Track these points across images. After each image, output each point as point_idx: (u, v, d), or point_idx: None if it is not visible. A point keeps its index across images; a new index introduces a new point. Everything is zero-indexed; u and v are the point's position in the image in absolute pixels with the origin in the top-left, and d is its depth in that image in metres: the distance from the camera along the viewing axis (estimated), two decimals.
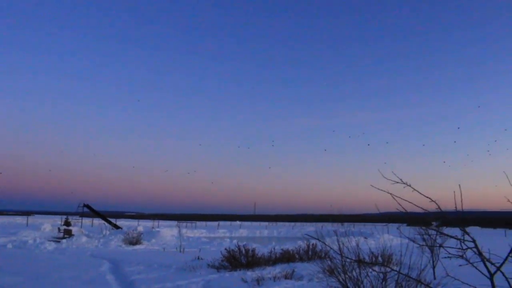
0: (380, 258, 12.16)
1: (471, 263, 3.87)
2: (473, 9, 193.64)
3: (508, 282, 3.76)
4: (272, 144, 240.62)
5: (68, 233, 32.62)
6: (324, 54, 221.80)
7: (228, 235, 48.31)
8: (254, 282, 11.86)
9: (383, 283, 6.98)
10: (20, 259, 18.57)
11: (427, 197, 3.75)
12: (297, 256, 17.48)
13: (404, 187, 3.85)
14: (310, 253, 17.58)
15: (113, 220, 45.88)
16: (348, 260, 6.33)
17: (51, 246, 25.07)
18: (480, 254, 3.75)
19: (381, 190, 3.96)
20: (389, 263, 12.98)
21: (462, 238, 3.92)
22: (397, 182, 3.88)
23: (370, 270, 6.95)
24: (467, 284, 4.30)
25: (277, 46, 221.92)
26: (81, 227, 42.14)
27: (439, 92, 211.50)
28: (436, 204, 3.77)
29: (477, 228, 78.97)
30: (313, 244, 17.68)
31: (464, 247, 3.96)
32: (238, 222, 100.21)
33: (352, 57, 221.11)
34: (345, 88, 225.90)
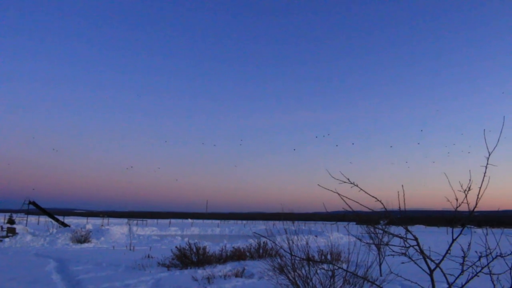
0: (329, 256, 12.43)
1: (413, 260, 4.03)
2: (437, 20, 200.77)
3: (446, 278, 3.95)
4: (240, 144, 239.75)
5: (11, 232, 31.16)
6: (289, 52, 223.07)
7: (180, 233, 47.86)
8: (205, 280, 11.81)
9: (331, 280, 7.14)
10: None
11: (373, 197, 3.88)
12: (248, 254, 17.56)
13: (351, 187, 3.96)
14: (261, 251, 17.71)
15: (60, 218, 44.38)
16: (297, 258, 6.43)
17: None
18: (421, 251, 3.91)
19: (328, 189, 4.06)
20: (338, 261, 13.31)
21: (405, 236, 4.08)
22: (344, 182, 3.99)
23: (319, 267, 7.10)
24: (409, 280, 4.48)
25: (243, 43, 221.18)
26: (26, 225, 40.41)
27: (404, 97, 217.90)
28: (381, 203, 3.91)
29: (422, 226, 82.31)
30: (264, 242, 17.82)
31: (407, 245, 4.12)
32: (190, 220, 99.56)
33: (320, 57, 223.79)
34: (309, 87, 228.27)
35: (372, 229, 12.00)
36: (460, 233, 3.99)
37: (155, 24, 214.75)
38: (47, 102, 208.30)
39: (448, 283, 3.99)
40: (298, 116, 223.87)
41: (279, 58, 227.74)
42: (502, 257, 3.99)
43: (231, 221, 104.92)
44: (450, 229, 4.22)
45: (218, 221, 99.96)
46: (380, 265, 12.38)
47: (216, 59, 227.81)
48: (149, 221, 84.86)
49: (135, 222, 73.31)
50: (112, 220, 78.20)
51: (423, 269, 4.14)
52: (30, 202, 39.13)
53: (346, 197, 3.98)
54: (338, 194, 3.98)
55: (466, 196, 3.96)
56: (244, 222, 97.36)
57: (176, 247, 15.71)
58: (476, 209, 3.99)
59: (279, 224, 10.49)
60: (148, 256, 17.90)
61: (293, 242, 7.73)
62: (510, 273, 4.12)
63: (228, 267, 14.42)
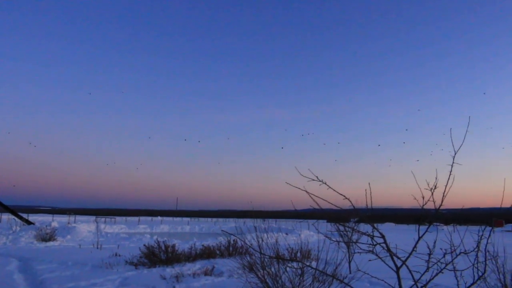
0: (299, 254, 12.49)
1: (380, 258, 4.07)
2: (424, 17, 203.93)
3: (412, 275, 4.01)
4: (227, 140, 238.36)
5: None
6: (278, 48, 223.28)
7: (149, 231, 47.28)
8: (173, 278, 11.69)
9: (301, 278, 7.17)
10: None
11: (341, 194, 3.90)
12: (217, 252, 17.49)
13: (320, 185, 3.97)
14: (231, 249, 17.66)
15: (24, 215, 43.13)
16: (268, 256, 6.42)
17: None
18: (388, 249, 3.96)
19: (295, 187, 4.05)
20: (308, 259, 13.40)
21: (372, 234, 4.11)
22: (313, 180, 3.99)
23: (289, 265, 7.11)
24: (376, 277, 4.53)
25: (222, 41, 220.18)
26: None
27: (390, 94, 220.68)
28: (350, 201, 3.93)
29: (392, 224, 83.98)
30: (234, 240, 17.78)
31: (375, 242, 4.16)
32: (159, 218, 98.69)
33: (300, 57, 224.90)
34: (293, 84, 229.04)
35: (341, 227, 12.11)
36: (426, 231, 4.05)
37: (136, 22, 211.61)
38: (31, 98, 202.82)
39: (414, 279, 4.05)
40: (283, 114, 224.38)
41: (268, 54, 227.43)
42: (465, 254, 4.07)
43: (202, 219, 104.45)
44: (429, 227, 4.29)
45: (188, 219, 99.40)
46: (349, 262, 12.52)
47: (201, 55, 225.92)
48: (118, 218, 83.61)
49: (103, 219, 72.10)
50: (79, 217, 76.63)
51: (389, 267, 4.19)
52: None
53: (314, 195, 3.98)
54: (306, 191, 3.98)
55: (432, 194, 4.03)
56: (215, 219, 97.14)
57: (144, 245, 15.49)
58: (444, 207, 4.06)
59: (249, 222, 10.53)
60: (116, 255, 17.59)
61: (262, 240, 7.73)
62: (473, 269, 4.22)
63: (197, 265, 14.31)
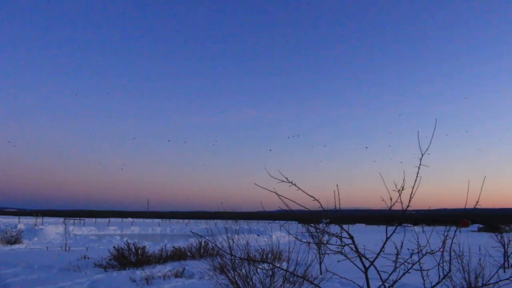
0: (270, 255, 12.53)
1: (348, 258, 4.11)
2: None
3: (379, 275, 4.06)
4: (214, 143, 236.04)
5: None
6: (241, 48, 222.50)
7: (119, 233, 46.59)
8: (143, 281, 11.54)
9: (271, 279, 7.18)
10: None
11: (311, 196, 3.92)
12: (189, 254, 17.35)
13: (289, 186, 3.98)
14: (202, 250, 17.55)
15: None
16: (238, 257, 6.40)
17: None
18: (356, 250, 4.00)
19: (264, 188, 4.06)
20: (279, 260, 13.44)
21: (340, 235, 4.15)
22: (283, 181, 4.00)
23: (260, 267, 7.11)
24: (345, 278, 4.58)
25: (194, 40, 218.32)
26: None
27: (372, 99, 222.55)
28: (319, 202, 3.95)
29: (363, 225, 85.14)
30: (205, 242, 17.68)
31: (344, 243, 4.20)
32: (130, 219, 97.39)
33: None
34: (281, 86, 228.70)
35: (311, 228, 12.20)
36: (393, 232, 4.11)
37: (119, 24, 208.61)
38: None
39: (381, 280, 4.10)
40: (272, 116, 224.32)
41: (253, 55, 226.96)
42: (431, 253, 4.15)
43: (173, 220, 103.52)
44: (390, 228, 4.35)
45: (159, 220, 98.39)
46: (320, 263, 12.63)
47: (187, 57, 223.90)
48: (87, 220, 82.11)
49: (72, 221, 70.61)
50: (47, 219, 74.71)
51: (358, 267, 4.24)
52: None
53: (283, 196, 4.00)
54: (276, 193, 3.99)
55: (399, 195, 4.09)
56: (186, 221, 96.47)
57: (114, 247, 15.23)
58: (414, 208, 4.13)
59: (221, 223, 10.49)
60: (84, 257, 17.25)
61: (233, 241, 7.71)
62: (438, 269, 4.31)
63: (168, 267, 14.16)
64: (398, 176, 4.23)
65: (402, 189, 4.05)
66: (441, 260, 4.35)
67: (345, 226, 4.69)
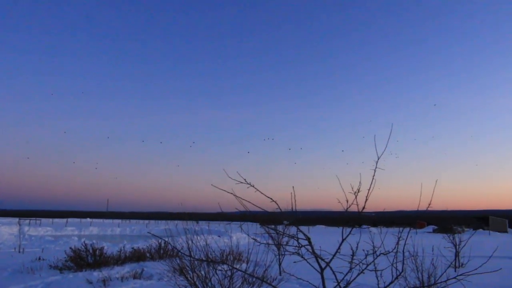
0: (230, 256, 12.52)
1: (305, 259, 4.17)
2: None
3: (335, 276, 4.14)
4: (191, 145, 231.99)
5: None
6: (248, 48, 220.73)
7: (77, 233, 45.47)
8: (100, 283, 11.33)
9: (230, 280, 7.18)
10: None
11: (268, 197, 3.95)
12: (148, 255, 17.13)
13: (247, 187, 4.00)
14: (161, 251, 17.36)
15: None
16: (195, 259, 6.37)
17: None
18: (312, 251, 4.06)
19: (221, 189, 4.07)
20: (239, 261, 13.45)
21: (296, 236, 4.20)
22: (241, 182, 4.02)
23: (219, 268, 7.11)
24: (301, 279, 4.64)
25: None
26: None
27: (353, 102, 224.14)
28: (276, 204, 4.00)
29: (323, 226, 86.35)
30: (165, 243, 17.49)
31: (300, 244, 4.25)
32: (88, 220, 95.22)
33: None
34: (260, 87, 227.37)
35: (270, 229, 12.29)
36: (349, 234, 4.20)
37: (94, 24, 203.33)
38: None
39: (336, 280, 4.18)
40: (248, 117, 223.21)
41: (230, 56, 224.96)
42: (385, 254, 4.27)
43: (133, 221, 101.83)
44: (347, 229, 4.43)
45: (119, 221, 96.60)
46: (280, 264, 12.74)
47: (161, 57, 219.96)
48: (44, 220, 79.60)
49: (27, 221, 68.28)
50: (0, 219, 72.07)
51: (314, 268, 4.30)
52: None
53: (241, 198, 4.02)
54: (233, 194, 4.00)
55: (356, 197, 4.19)
56: (147, 221, 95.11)
57: (71, 248, 14.85)
58: (374, 210, 4.23)
59: (182, 224, 10.37)
60: (39, 259, 16.71)
61: (192, 242, 7.67)
62: (391, 269, 4.43)
63: (126, 269, 13.93)
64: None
65: (358, 192, 4.15)
66: (395, 261, 4.47)
67: (305, 228, 4.76)
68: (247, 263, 7.67)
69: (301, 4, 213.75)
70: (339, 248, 4.12)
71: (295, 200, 4.11)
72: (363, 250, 4.44)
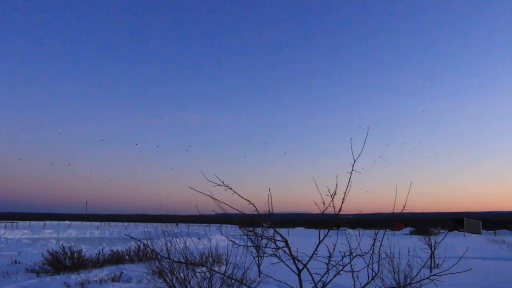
0: (210, 258, 12.52)
1: (282, 261, 4.23)
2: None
3: (312, 277, 4.22)
4: (187, 150, 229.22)
5: None
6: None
7: (55, 236, 44.75)
8: (78, 286, 11.22)
9: (209, 283, 7.21)
10: None
11: (246, 199, 4.00)
12: (127, 258, 17.00)
13: (225, 190, 4.05)
14: (140, 254, 17.25)
15: None
16: (173, 261, 6.39)
17: None
18: (290, 253, 4.13)
19: (199, 191, 4.10)
20: (219, 263, 13.46)
21: (273, 238, 4.27)
22: (219, 185, 4.06)
23: (198, 270, 7.13)
24: (279, 280, 4.70)
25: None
26: None
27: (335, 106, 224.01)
28: (254, 206, 4.05)
29: (302, 228, 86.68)
30: (144, 245, 17.38)
31: (278, 246, 4.32)
32: (67, 222, 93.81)
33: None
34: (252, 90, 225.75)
35: (248, 231, 12.34)
36: (326, 235, 4.29)
37: (95, 27, 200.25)
38: None
39: (313, 281, 4.26)
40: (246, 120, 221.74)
41: (216, 57, 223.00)
42: (361, 256, 4.36)
43: (112, 223, 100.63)
44: (330, 231, 4.51)
45: (98, 223, 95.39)
46: (259, 266, 12.79)
47: (153, 59, 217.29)
48: (20, 223, 78.01)
49: (3, 224, 66.87)
50: None
51: (292, 270, 4.37)
52: None
53: (218, 200, 4.06)
54: (211, 196, 4.04)
55: (332, 200, 4.27)
56: (126, 224, 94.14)
57: (48, 251, 14.64)
58: (352, 213, 4.32)
59: (162, 227, 10.37)
60: (16, 262, 16.42)
61: (171, 244, 7.68)
62: (367, 270, 4.53)
63: (105, 272, 13.81)
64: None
65: (335, 194, 4.23)
66: (371, 262, 4.57)
67: (284, 230, 4.83)
68: (226, 265, 7.71)
69: (294, 5, 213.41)
70: (316, 250, 4.20)
71: (271, 203, 4.17)
72: (340, 251, 4.53)
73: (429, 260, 15.24)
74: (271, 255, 4.36)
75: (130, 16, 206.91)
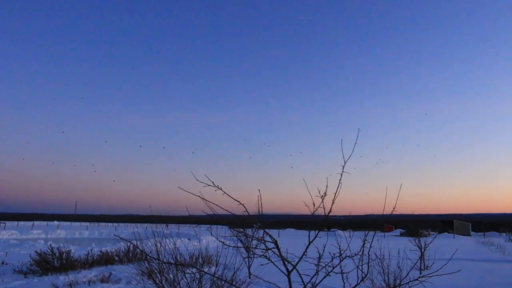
0: (200, 259, 12.47)
1: (272, 262, 4.21)
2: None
3: (301, 278, 4.20)
4: (193, 152, 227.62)
5: None
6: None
7: (43, 236, 44.37)
8: (66, 287, 11.12)
9: (199, 284, 7.17)
10: None
11: (236, 200, 3.98)
12: (116, 259, 16.89)
13: (215, 190, 4.02)
14: (130, 255, 17.14)
15: None
16: (163, 262, 6.35)
17: None
18: (279, 254, 4.11)
19: (188, 192, 4.07)
20: (209, 264, 13.42)
21: (263, 239, 4.24)
22: (209, 185, 4.04)
23: (188, 271, 7.09)
24: (268, 281, 4.68)
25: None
26: None
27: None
28: (244, 207, 4.02)
29: (293, 230, 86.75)
30: (134, 246, 17.27)
31: (267, 247, 4.29)
32: (56, 222, 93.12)
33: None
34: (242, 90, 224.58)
35: (238, 232, 12.33)
36: (315, 237, 4.27)
37: (99, 27, 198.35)
38: None
39: (303, 282, 4.24)
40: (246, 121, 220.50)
41: (212, 58, 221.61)
42: (350, 257, 4.36)
43: (102, 224, 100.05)
44: (320, 233, 4.49)
45: (87, 224, 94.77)
46: (249, 267, 12.76)
47: (152, 61, 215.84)
48: (8, 223, 77.29)
49: None
50: None
51: (281, 271, 4.35)
52: None
53: (208, 201, 4.03)
54: (200, 197, 4.02)
55: (322, 201, 4.26)
56: (116, 224, 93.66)
57: (36, 251, 14.50)
58: (342, 214, 4.30)
59: (152, 227, 10.32)
60: (3, 263, 16.25)
61: (161, 245, 7.63)
62: (357, 271, 4.53)
63: (93, 272, 13.72)
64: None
65: (325, 195, 4.22)
66: (360, 263, 4.57)
67: (275, 231, 4.81)
68: (216, 266, 7.68)
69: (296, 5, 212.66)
70: (305, 251, 4.18)
71: (261, 204, 4.15)
72: (330, 253, 4.52)
73: (419, 261, 15.31)
74: (260, 256, 4.34)
75: (140, 15, 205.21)
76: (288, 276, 4.24)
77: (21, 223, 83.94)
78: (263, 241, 4.30)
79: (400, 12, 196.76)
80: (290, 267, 4.27)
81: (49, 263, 13.78)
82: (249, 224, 11.76)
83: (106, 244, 28.52)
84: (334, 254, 4.48)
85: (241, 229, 5.85)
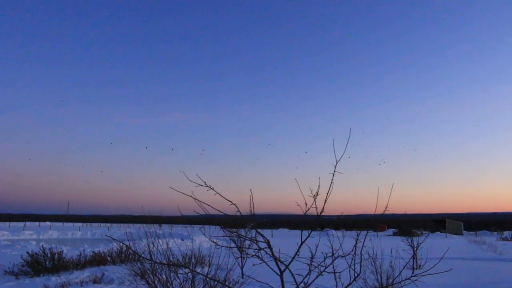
0: (193, 259, 12.46)
1: (264, 262, 4.21)
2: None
3: (294, 278, 4.21)
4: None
5: None
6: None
7: (35, 237, 44.12)
8: None
9: (192, 284, 7.16)
10: None
11: (228, 200, 3.98)
12: (109, 259, 16.81)
13: (207, 190, 4.02)
14: (123, 255, 17.08)
15: None
16: (155, 262, 6.33)
17: None
18: (272, 254, 4.11)
19: (180, 192, 4.07)
20: (202, 264, 13.41)
21: (255, 239, 4.25)
22: (201, 185, 4.03)
23: (181, 271, 7.08)
24: (260, 281, 4.68)
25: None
26: None
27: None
28: (236, 207, 4.03)
29: (286, 230, 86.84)
30: (127, 246, 17.20)
31: (260, 247, 4.30)
32: (48, 223, 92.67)
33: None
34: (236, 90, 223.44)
35: (231, 232, 12.32)
36: (308, 236, 4.28)
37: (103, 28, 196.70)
38: None
39: (295, 282, 4.25)
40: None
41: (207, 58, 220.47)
42: (342, 256, 4.37)
43: (95, 224, 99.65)
44: (313, 232, 4.50)
45: (80, 224, 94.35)
46: (242, 267, 12.76)
47: (150, 60, 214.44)
48: None
49: None
50: None
51: (274, 271, 4.36)
52: None
53: (200, 201, 4.03)
54: (192, 197, 4.01)
55: (314, 201, 4.27)
56: (109, 225, 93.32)
57: (27, 252, 14.40)
58: (336, 214, 4.31)
59: (145, 227, 10.31)
60: None
61: (153, 246, 7.61)
62: (349, 271, 4.54)
63: (86, 273, 13.64)
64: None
65: (317, 195, 4.23)
66: (353, 263, 4.59)
67: (268, 231, 4.82)
68: (209, 267, 7.67)
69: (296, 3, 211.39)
70: (298, 250, 4.19)
71: (253, 203, 4.15)
72: (322, 252, 4.53)
73: (411, 260, 15.39)
74: (253, 256, 4.34)
75: (148, 16, 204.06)
76: (281, 276, 4.25)
77: (13, 223, 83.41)
78: (255, 241, 4.30)
79: (400, 12, 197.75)
80: (282, 267, 4.27)
81: (41, 264, 13.69)
82: (242, 224, 11.76)
83: (98, 244, 28.39)
84: (326, 253, 4.49)
85: (234, 230, 5.83)
